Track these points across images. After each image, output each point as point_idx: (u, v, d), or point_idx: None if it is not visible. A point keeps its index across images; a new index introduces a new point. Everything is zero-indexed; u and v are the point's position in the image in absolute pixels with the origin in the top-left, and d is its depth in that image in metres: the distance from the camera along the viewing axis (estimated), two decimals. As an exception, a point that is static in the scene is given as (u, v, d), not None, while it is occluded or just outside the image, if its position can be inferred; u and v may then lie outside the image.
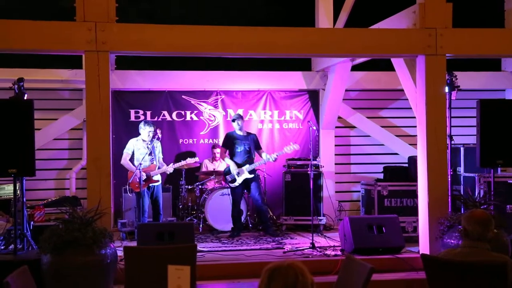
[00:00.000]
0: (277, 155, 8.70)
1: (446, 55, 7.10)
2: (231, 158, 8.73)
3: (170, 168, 8.43)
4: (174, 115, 9.95)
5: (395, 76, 8.01)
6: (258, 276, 2.69)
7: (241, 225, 8.81)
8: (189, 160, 8.69)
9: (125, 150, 8.42)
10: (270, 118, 10.20)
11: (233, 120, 8.82)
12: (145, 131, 8.28)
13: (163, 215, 8.54)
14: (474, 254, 3.98)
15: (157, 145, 8.47)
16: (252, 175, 8.66)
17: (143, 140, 8.34)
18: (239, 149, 8.71)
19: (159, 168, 8.38)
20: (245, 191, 8.86)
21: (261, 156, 8.79)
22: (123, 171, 8.65)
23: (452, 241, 6.37)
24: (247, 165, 8.62)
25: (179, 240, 6.17)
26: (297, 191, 9.17)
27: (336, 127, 10.31)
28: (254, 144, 8.82)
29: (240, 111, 9.99)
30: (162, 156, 8.62)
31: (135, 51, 7.09)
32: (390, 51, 7.37)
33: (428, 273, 4.08)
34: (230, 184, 8.69)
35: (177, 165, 8.57)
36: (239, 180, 8.59)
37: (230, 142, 8.77)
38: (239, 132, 8.77)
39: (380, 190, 8.37)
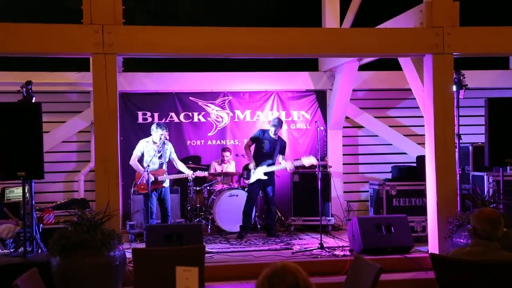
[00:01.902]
0: (293, 164, 8.62)
1: (454, 54, 7.08)
2: (255, 154, 8.77)
3: (190, 173, 8.47)
4: (181, 116, 9.96)
5: (402, 75, 7.99)
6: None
7: (249, 225, 8.80)
8: (199, 173, 8.70)
9: (134, 151, 8.40)
10: (278, 119, 10.18)
11: (271, 123, 8.85)
12: (157, 133, 8.22)
13: (172, 216, 8.51)
14: (484, 253, 3.96)
15: (168, 147, 8.42)
16: (267, 177, 8.65)
17: (154, 142, 8.32)
18: (264, 149, 8.72)
19: (178, 172, 8.42)
20: (261, 192, 8.90)
21: (279, 162, 8.78)
22: (131, 173, 8.66)
23: (462, 240, 6.34)
24: (264, 166, 8.62)
25: (187, 242, 6.17)
26: (305, 192, 9.16)
27: (344, 127, 10.30)
28: (280, 149, 8.78)
29: (248, 112, 10.01)
30: (177, 157, 8.55)
31: (142, 53, 7.11)
32: (397, 51, 7.35)
33: (437, 272, 4.07)
34: (244, 180, 8.84)
35: (188, 172, 8.57)
36: (253, 178, 8.63)
37: (259, 139, 8.78)
38: (272, 134, 8.76)
39: (389, 189, 8.34)
